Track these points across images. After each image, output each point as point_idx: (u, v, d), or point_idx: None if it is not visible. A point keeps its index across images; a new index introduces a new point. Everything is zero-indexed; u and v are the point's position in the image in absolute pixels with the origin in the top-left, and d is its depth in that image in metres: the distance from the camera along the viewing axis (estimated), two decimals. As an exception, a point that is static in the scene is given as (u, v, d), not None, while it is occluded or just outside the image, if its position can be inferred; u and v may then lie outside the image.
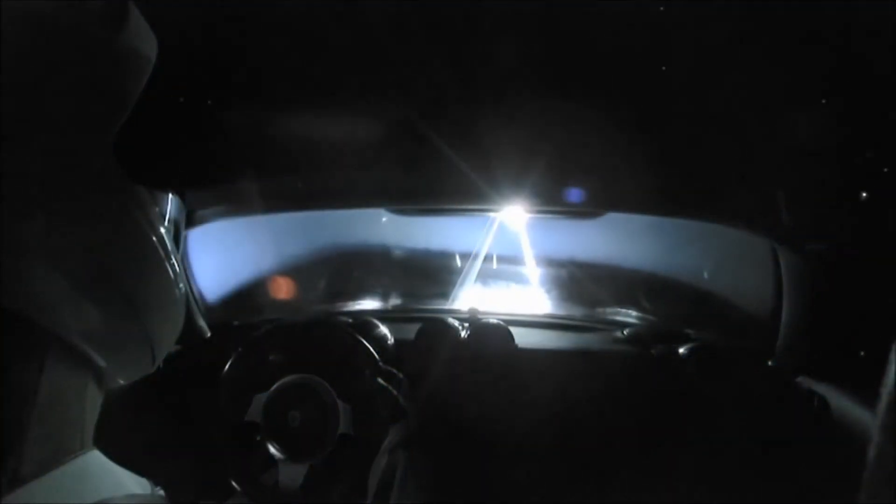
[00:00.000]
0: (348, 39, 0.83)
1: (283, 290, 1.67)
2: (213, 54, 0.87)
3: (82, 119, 0.36)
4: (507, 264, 1.76)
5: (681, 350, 1.37)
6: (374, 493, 1.01)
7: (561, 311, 1.71)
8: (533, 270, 1.74)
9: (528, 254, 1.74)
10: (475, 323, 1.46)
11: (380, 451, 1.07)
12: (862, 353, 1.05)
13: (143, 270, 0.40)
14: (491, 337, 1.42)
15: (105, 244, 0.36)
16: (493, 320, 1.47)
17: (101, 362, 0.39)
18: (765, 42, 0.78)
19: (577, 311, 1.71)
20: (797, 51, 0.79)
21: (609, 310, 1.69)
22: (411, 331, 1.43)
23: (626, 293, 1.68)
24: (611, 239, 1.62)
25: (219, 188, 1.26)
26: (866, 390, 1.07)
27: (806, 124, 0.91)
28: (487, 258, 1.74)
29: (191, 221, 1.29)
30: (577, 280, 1.71)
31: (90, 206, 0.36)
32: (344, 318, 1.48)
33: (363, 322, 1.42)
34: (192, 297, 1.34)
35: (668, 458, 1.19)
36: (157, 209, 0.42)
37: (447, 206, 1.53)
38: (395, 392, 1.15)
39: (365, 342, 1.20)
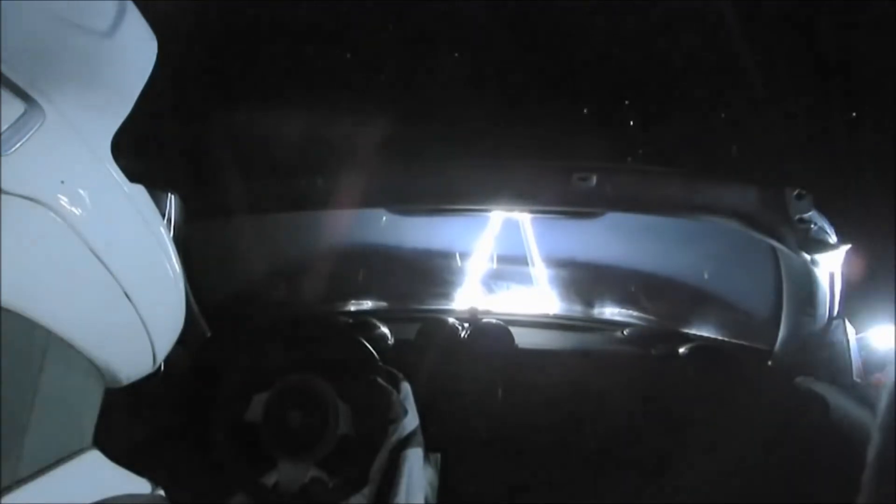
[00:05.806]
0: (348, 39, 0.83)
1: (283, 290, 1.66)
2: (213, 54, 0.87)
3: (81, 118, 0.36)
4: (507, 264, 1.76)
5: (681, 350, 1.37)
6: (375, 493, 1.01)
7: (561, 311, 1.70)
8: (533, 270, 1.74)
9: (528, 254, 1.74)
10: (475, 323, 1.46)
11: (380, 451, 1.07)
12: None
13: (142, 270, 0.40)
14: (491, 337, 1.42)
15: (104, 243, 0.36)
16: (493, 320, 1.47)
17: (101, 362, 0.39)
18: (765, 37, 0.78)
19: (577, 311, 1.70)
20: (798, 45, 0.79)
21: (609, 310, 1.69)
22: (411, 331, 1.43)
23: (626, 293, 1.68)
24: (611, 239, 1.62)
25: (219, 188, 1.26)
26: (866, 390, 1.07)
27: (807, 122, 0.91)
28: (488, 258, 1.74)
29: (190, 221, 1.29)
30: (577, 280, 1.71)
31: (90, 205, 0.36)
32: (344, 318, 1.48)
33: (363, 322, 1.42)
34: (191, 298, 1.34)
35: (668, 457, 1.19)
36: (156, 209, 0.42)
37: (447, 206, 1.53)
38: (395, 392, 1.15)
39: (365, 342, 1.20)
